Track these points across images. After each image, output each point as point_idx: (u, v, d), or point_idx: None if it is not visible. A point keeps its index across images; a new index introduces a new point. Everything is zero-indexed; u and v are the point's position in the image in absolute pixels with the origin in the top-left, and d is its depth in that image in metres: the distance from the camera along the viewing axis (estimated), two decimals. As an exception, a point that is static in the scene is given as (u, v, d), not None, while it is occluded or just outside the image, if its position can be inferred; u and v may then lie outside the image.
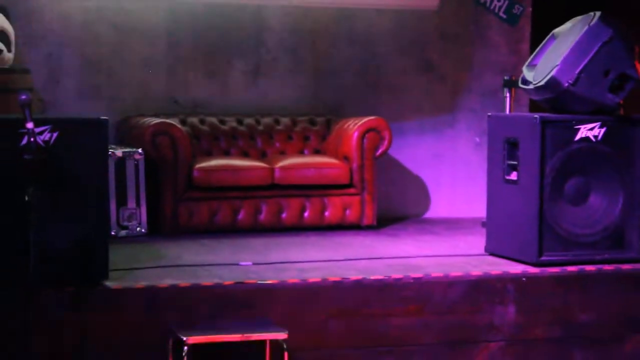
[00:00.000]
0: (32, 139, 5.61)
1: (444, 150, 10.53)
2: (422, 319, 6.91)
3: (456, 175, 10.45)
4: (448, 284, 7.00)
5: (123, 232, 8.61)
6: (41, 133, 6.19)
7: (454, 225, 9.64)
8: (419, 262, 7.54)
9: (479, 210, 8.38)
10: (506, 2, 10.63)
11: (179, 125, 9.10)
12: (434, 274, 7.08)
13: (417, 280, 6.98)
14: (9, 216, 5.75)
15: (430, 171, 10.47)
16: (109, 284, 6.54)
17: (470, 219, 9.46)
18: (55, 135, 6.34)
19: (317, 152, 9.72)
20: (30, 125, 5.63)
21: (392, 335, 6.85)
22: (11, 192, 5.61)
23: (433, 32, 10.49)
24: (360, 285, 6.87)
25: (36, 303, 5.76)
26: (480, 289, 7.05)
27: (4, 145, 6.06)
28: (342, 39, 10.27)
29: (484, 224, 8.12)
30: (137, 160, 8.73)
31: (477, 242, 8.16)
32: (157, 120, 9.02)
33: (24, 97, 5.69)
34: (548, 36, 7.87)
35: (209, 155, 9.36)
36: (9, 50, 8.62)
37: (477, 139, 10.29)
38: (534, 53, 7.98)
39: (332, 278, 6.89)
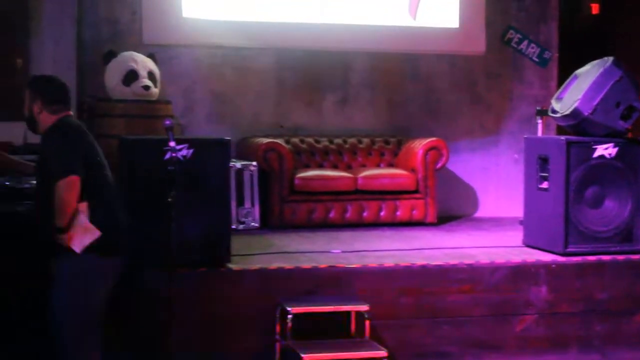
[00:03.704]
0: (173, 155, 5.63)
1: (490, 164, 10.39)
2: (473, 296, 6.84)
3: (499, 184, 10.31)
4: (493, 269, 6.93)
5: (241, 226, 8.59)
6: (180, 150, 6.24)
7: (498, 223, 9.48)
8: (470, 252, 7.46)
9: (518, 211, 8.28)
10: (538, 49, 10.51)
11: (284, 144, 9.10)
12: (483, 261, 7.01)
13: (469, 265, 6.92)
14: (156, 213, 5.76)
15: (479, 180, 10.34)
16: (231, 266, 6.57)
17: (511, 218, 9.29)
18: (191, 151, 6.40)
19: (390, 165, 9.64)
20: (172, 144, 5.65)
21: (449, 308, 6.79)
22: (158, 194, 5.62)
23: (481, 72, 10.39)
24: (425, 269, 6.83)
25: (176, 280, 5.78)
26: (519, 273, 6.96)
27: (153, 159, 6.11)
28: (409, 77, 10.20)
29: (521, 222, 8.00)
30: (252, 171, 8.75)
31: (516, 236, 8.01)
32: (267, 140, 9.03)
33: (168, 122, 5.71)
34: (571, 76, 7.75)
35: (307, 167, 9.33)
36: (156, 87, 8.71)
37: (516, 156, 10.13)
38: (560, 89, 7.87)
39: (403, 263, 6.86)
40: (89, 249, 5.20)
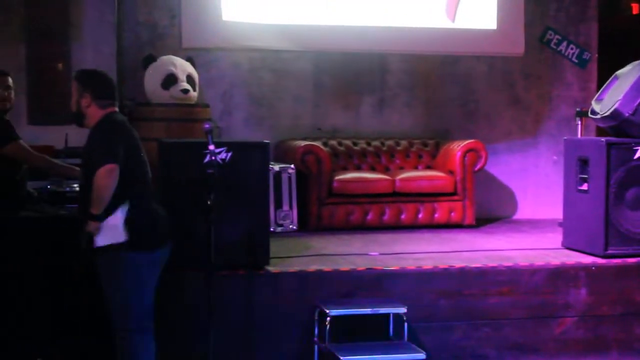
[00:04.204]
0: (213, 158, 5.67)
1: (529, 166, 10.35)
2: (512, 298, 6.82)
3: (538, 186, 10.26)
4: (533, 271, 6.90)
5: (279, 229, 8.62)
6: (219, 153, 6.26)
7: (536, 225, 9.43)
8: (509, 254, 7.44)
9: (557, 213, 8.25)
10: (577, 50, 10.45)
11: (322, 147, 9.12)
12: (522, 263, 6.99)
13: (508, 268, 6.90)
14: (195, 215, 5.81)
15: (518, 182, 10.30)
16: (270, 268, 6.60)
17: (550, 220, 9.26)
18: (229, 154, 6.43)
19: (428, 167, 9.64)
20: (211, 147, 5.70)
21: (488, 311, 6.77)
22: (197, 197, 5.67)
23: (519, 73, 10.35)
24: (464, 272, 6.82)
25: (215, 282, 5.82)
26: (558, 275, 6.93)
27: (192, 162, 6.14)
28: (447, 79, 10.19)
29: (560, 224, 7.97)
30: (290, 174, 8.77)
31: (555, 238, 7.99)
32: (306, 142, 9.05)
33: (207, 126, 5.75)
34: (611, 77, 7.71)
35: (345, 169, 9.35)
36: (194, 90, 8.77)
37: (555, 157, 10.09)
38: (600, 90, 7.83)
39: (442, 265, 6.86)
40: (131, 245, 5.26)
